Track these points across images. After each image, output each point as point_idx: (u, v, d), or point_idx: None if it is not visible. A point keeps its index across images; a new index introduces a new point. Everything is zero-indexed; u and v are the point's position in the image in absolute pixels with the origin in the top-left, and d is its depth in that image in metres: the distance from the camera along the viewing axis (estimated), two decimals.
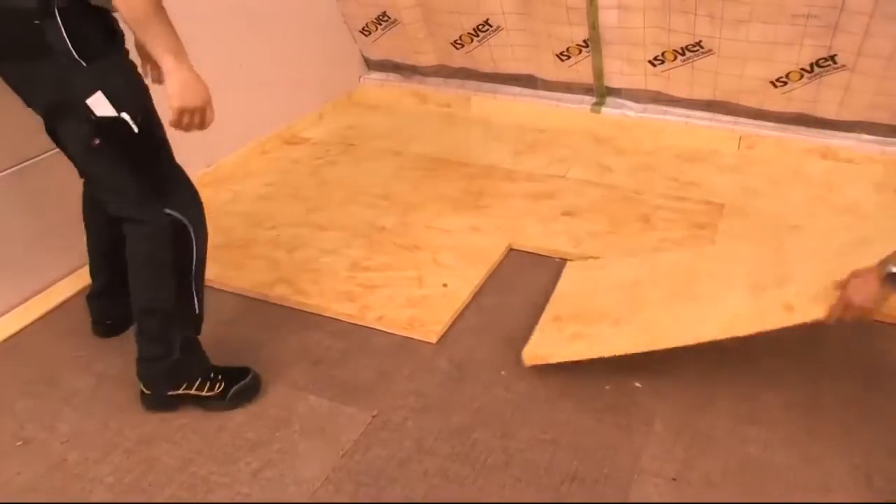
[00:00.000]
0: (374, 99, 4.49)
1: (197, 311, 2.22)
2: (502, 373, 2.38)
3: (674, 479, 2.00)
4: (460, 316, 2.64)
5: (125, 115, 1.91)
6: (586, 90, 4.08)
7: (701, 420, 2.18)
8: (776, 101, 3.64)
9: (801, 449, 2.08)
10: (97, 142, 1.93)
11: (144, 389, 2.25)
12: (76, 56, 1.84)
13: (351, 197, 3.39)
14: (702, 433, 2.14)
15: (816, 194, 3.34)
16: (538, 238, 3.04)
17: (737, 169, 3.59)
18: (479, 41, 4.04)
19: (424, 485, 2.00)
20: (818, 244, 2.44)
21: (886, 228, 2.35)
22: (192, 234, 2.11)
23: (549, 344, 2.41)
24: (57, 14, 1.80)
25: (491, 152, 3.79)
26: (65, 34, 1.81)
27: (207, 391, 2.24)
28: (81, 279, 2.75)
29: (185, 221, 2.09)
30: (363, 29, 4.29)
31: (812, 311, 2.06)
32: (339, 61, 4.40)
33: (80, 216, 2.42)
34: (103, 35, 1.91)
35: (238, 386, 2.27)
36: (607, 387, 2.30)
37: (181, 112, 1.87)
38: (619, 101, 4.04)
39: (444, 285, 2.74)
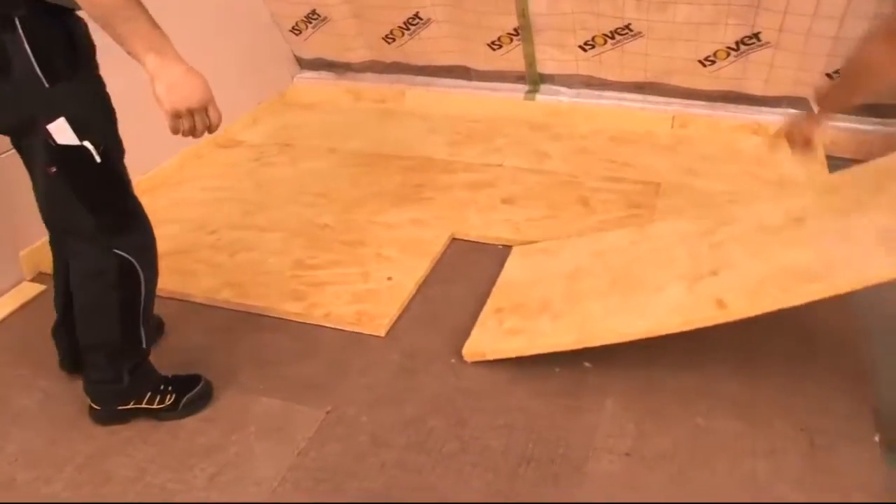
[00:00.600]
0: (308, 98, 4.47)
1: (144, 346, 2.16)
2: (452, 361, 2.39)
3: (627, 455, 2.03)
4: (407, 308, 2.64)
5: (87, 144, 1.78)
6: (519, 78, 4.11)
7: (650, 396, 2.23)
8: (705, 80, 3.72)
9: (746, 415, 2.14)
10: (54, 170, 1.81)
11: (93, 405, 2.21)
12: (39, 75, 1.70)
13: (290, 197, 3.37)
14: (651, 408, 2.18)
15: (749, 169, 3.42)
16: (479, 227, 3.07)
17: (671, 148, 3.66)
18: (410, 35, 4.05)
19: (383, 477, 2.00)
20: (755, 225, 2.48)
21: (816, 206, 2.41)
22: (141, 277, 2.02)
23: (488, 339, 2.43)
24: (18, 25, 1.66)
25: (428, 145, 3.80)
26: (28, 49, 1.67)
27: (158, 404, 2.20)
28: (21, 295, 2.71)
29: (135, 263, 1.99)
30: (293, 28, 4.26)
31: (743, 308, 2.12)
32: (270, 62, 4.37)
33: (18, 229, 2.35)
34: (70, 47, 1.74)
35: (189, 395, 2.23)
36: (557, 369, 2.32)
37: (175, 116, 1.69)
38: (553, 87, 4.08)
39: (389, 279, 2.75)
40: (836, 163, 3.43)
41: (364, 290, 2.70)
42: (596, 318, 2.34)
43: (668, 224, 2.74)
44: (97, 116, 1.84)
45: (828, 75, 3.46)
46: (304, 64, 4.58)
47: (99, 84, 1.87)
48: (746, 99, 3.75)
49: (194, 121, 1.72)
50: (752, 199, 3.11)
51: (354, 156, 3.73)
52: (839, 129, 3.58)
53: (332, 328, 2.57)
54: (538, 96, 4.08)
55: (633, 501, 1.90)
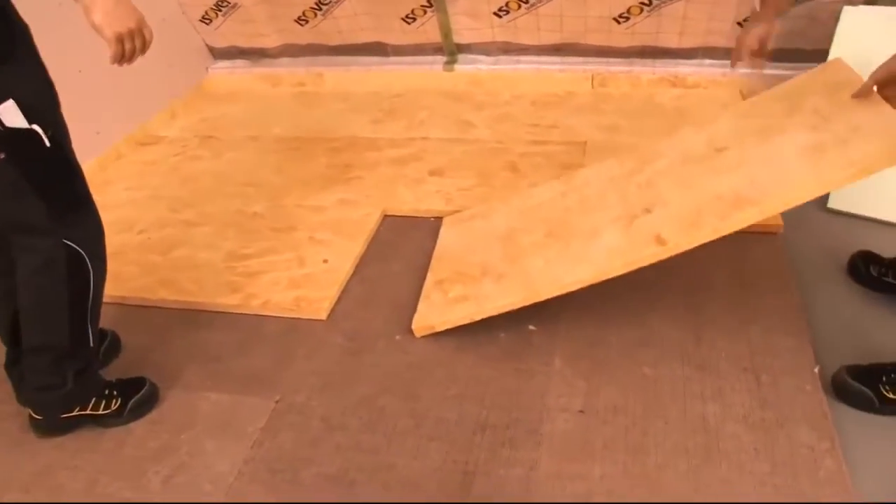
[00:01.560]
0: (226, 88, 4.40)
1: (91, 346, 2.09)
2: (397, 337, 2.39)
3: (581, 412, 2.05)
4: (346, 289, 2.63)
5: (36, 127, 1.72)
6: (437, 50, 4.09)
7: (596, 351, 2.25)
8: (621, 36, 3.74)
9: (691, 361, 2.18)
10: (2, 156, 1.73)
11: (34, 415, 2.14)
12: None
13: (217, 189, 3.32)
14: (599, 363, 2.21)
15: (671, 122, 3.46)
16: (411, 201, 3.06)
17: (593, 107, 3.69)
18: (322, 15, 4.00)
19: (339, 460, 1.99)
20: (679, 157, 2.48)
21: (735, 133, 2.43)
22: (90, 269, 1.97)
23: (436, 311, 2.42)
24: None
25: (351, 124, 3.78)
26: None
27: (104, 409, 2.15)
28: None
29: (84, 255, 1.93)
30: (203, 17, 4.18)
31: (683, 241, 2.12)
32: (183, 54, 4.28)
33: None
34: (12, 30, 1.67)
35: (135, 399, 2.19)
36: (502, 334, 2.34)
37: (118, 40, 1.70)
38: (471, 56, 4.08)
39: (325, 261, 2.73)
40: None
41: (301, 276, 2.67)
42: (538, 272, 2.33)
43: (593, 170, 2.72)
44: (44, 99, 1.78)
45: (739, 24, 3.51)
46: (218, 53, 4.49)
47: (42, 67, 1.79)
48: (663, 52, 3.78)
49: (135, 44, 1.76)
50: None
51: (278, 142, 3.69)
52: (754, 74, 3.64)
53: (272, 316, 2.54)
54: (457, 66, 4.07)
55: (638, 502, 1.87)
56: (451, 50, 4.06)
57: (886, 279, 2.36)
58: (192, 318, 2.57)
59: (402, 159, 3.38)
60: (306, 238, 2.88)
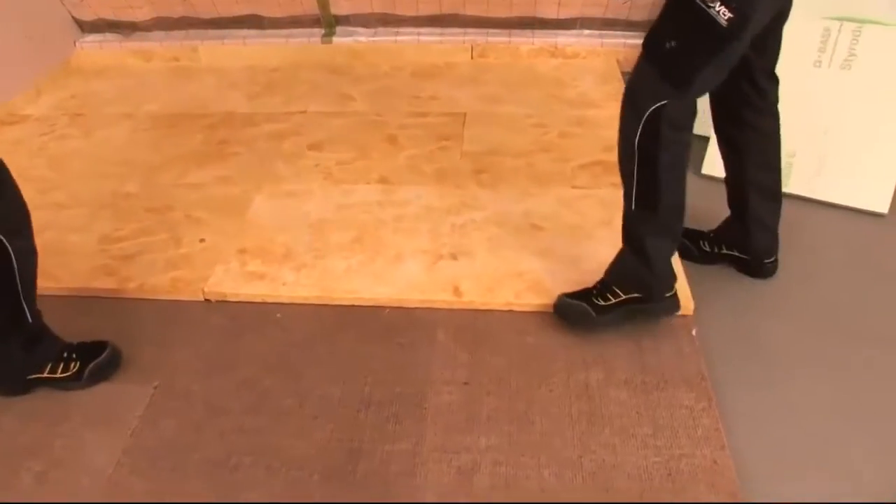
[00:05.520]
0: (95, 63, 4.22)
1: (30, 322, 2.02)
2: (278, 315, 2.35)
3: (466, 384, 2.06)
4: None
5: None
6: (314, 22, 4.03)
7: (478, 323, 2.26)
8: (499, 7, 3.75)
9: (574, 328, 2.20)
10: None
11: None
12: None
13: (88, 169, 3.19)
14: (482, 335, 2.22)
15: (550, 92, 3.50)
16: (289, 177, 3.00)
17: (473, 78, 3.69)
18: None
19: (223, 444, 1.95)
20: (495, 217, 2.67)
21: (553, 220, 2.61)
22: (11, 251, 1.86)
23: (231, 280, 2.47)
24: None
25: (227, 99, 3.69)
26: None
27: (62, 372, 2.08)
28: None
29: (1, 238, 1.84)
30: None
31: (477, 300, 2.32)
32: (47, 27, 4.08)
33: None
34: None
35: (94, 363, 2.12)
36: (386, 310, 2.33)
37: None
38: (349, 28, 4.03)
39: (202, 241, 2.66)
40: None
41: (177, 256, 2.60)
42: (338, 276, 2.45)
43: (414, 191, 2.85)
44: None
45: None
46: (86, 27, 4.30)
47: None
48: (542, 23, 3.81)
49: None
50: (556, 119, 3.22)
51: (152, 119, 3.57)
52: (630, 45, 3.71)
53: (148, 300, 2.46)
54: (335, 39, 4.01)
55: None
56: (329, 22, 4.00)
57: (722, 251, 2.45)
58: (63, 305, 2.45)
59: (279, 134, 3.32)
60: (182, 217, 2.80)
